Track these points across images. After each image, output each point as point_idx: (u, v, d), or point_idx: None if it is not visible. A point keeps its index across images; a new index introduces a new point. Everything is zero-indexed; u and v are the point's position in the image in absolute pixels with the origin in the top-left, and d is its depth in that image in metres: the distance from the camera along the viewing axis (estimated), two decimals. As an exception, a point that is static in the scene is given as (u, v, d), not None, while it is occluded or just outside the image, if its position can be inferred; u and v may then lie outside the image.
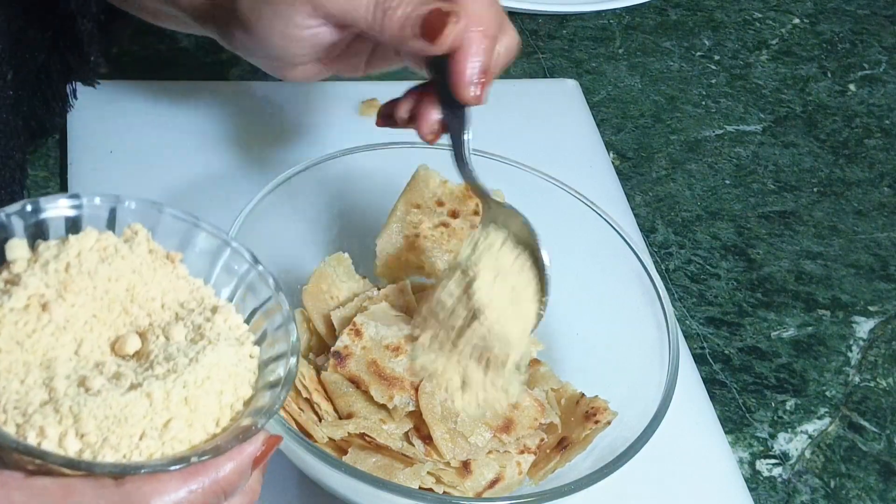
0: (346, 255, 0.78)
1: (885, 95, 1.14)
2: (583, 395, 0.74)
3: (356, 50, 0.73)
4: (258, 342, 0.55)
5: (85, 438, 0.48)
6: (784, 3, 1.23)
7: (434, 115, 0.70)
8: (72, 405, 0.48)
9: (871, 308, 0.93)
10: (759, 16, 1.21)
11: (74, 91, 0.87)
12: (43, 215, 0.54)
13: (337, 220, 0.81)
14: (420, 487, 0.66)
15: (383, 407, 0.71)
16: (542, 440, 0.73)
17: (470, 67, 0.66)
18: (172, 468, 0.48)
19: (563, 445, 0.71)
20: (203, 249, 0.57)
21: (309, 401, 0.70)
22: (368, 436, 0.68)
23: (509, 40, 0.69)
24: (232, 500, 0.50)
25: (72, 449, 0.48)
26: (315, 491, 0.69)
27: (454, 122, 0.70)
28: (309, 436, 0.67)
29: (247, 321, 0.55)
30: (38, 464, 0.48)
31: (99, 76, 0.87)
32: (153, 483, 0.48)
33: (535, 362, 0.77)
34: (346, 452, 0.67)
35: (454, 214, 0.79)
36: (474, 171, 0.70)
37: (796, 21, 1.21)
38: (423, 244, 0.79)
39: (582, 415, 0.72)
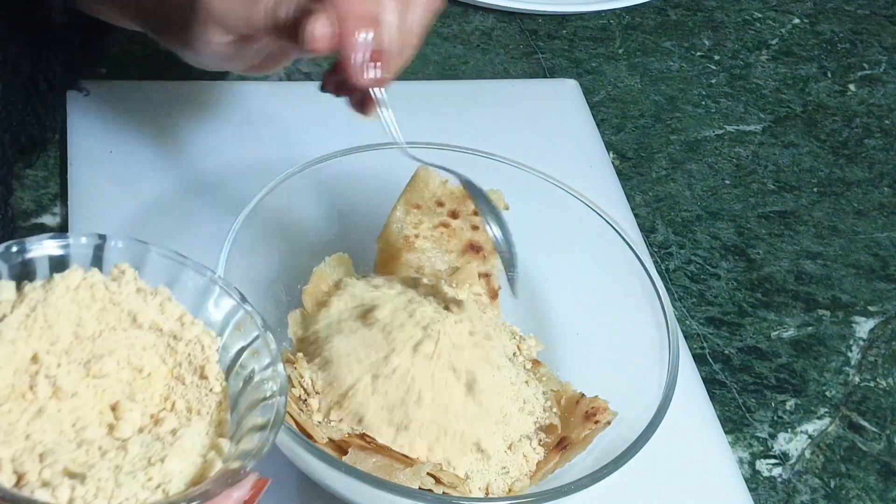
0: (346, 255, 0.78)
1: (885, 95, 1.14)
2: (583, 395, 0.74)
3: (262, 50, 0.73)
4: (245, 382, 0.54)
5: (77, 490, 0.47)
6: (784, 3, 1.23)
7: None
8: (63, 459, 0.48)
9: (871, 308, 0.93)
10: (759, 16, 1.21)
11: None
12: (28, 255, 0.54)
13: (337, 220, 0.81)
14: (420, 487, 0.66)
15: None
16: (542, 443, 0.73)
17: (353, 60, 0.66)
18: None
19: (563, 445, 0.71)
20: (189, 288, 0.56)
21: (308, 402, 0.71)
22: (368, 436, 0.68)
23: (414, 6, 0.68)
24: None
25: (63, 498, 0.47)
26: (315, 491, 0.69)
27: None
28: (309, 436, 0.67)
29: (234, 360, 0.55)
30: None
31: (91, 78, 0.87)
32: None
33: (535, 362, 0.77)
34: (346, 452, 0.67)
35: (454, 215, 0.79)
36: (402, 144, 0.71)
37: (796, 21, 1.21)
38: (423, 244, 0.79)
39: (582, 415, 0.72)
